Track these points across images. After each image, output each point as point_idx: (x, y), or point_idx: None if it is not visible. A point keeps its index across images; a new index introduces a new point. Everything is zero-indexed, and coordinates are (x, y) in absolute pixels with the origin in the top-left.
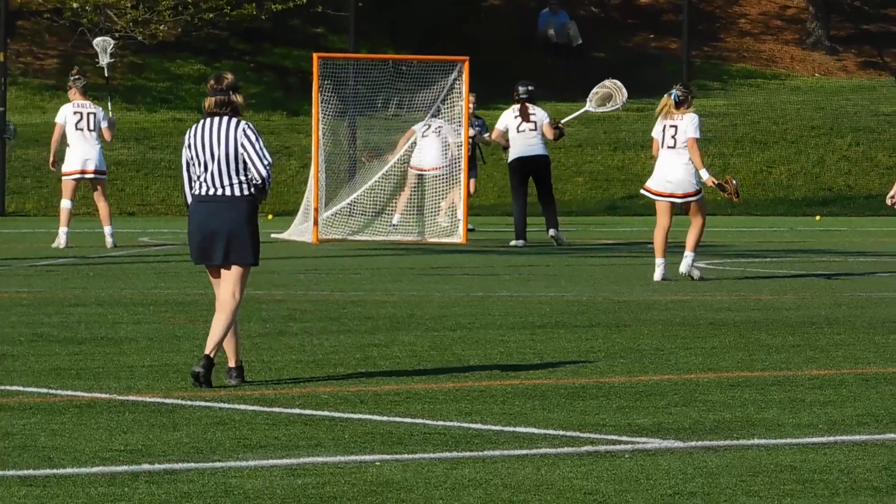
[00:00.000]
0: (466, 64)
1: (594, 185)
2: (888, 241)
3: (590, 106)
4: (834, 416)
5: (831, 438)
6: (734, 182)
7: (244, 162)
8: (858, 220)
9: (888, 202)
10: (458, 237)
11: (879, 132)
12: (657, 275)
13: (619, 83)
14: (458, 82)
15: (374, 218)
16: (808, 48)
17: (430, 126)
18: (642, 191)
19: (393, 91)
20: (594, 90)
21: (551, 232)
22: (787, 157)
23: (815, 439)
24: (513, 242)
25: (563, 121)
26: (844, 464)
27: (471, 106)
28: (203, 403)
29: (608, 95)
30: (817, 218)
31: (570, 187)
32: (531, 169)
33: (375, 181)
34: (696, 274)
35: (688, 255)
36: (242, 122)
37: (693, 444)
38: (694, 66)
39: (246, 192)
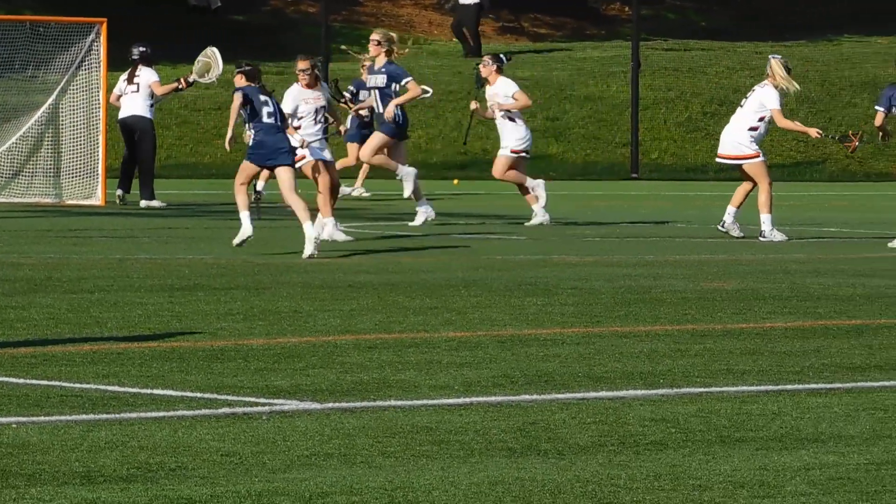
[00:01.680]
0: (104, 26)
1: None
2: (523, 205)
3: (193, 76)
4: (470, 378)
5: (467, 399)
6: None
7: None
8: (495, 183)
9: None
10: (97, 199)
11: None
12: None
13: (216, 53)
14: (95, 44)
15: (11, 179)
16: (447, 13)
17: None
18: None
19: (30, 53)
20: (197, 59)
21: (142, 203)
22: (426, 122)
23: (451, 400)
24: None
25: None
26: (480, 425)
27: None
28: None
29: (207, 66)
30: (455, 182)
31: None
32: (128, 132)
33: (12, 143)
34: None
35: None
36: None
37: (330, 405)
38: (333, 30)
39: None
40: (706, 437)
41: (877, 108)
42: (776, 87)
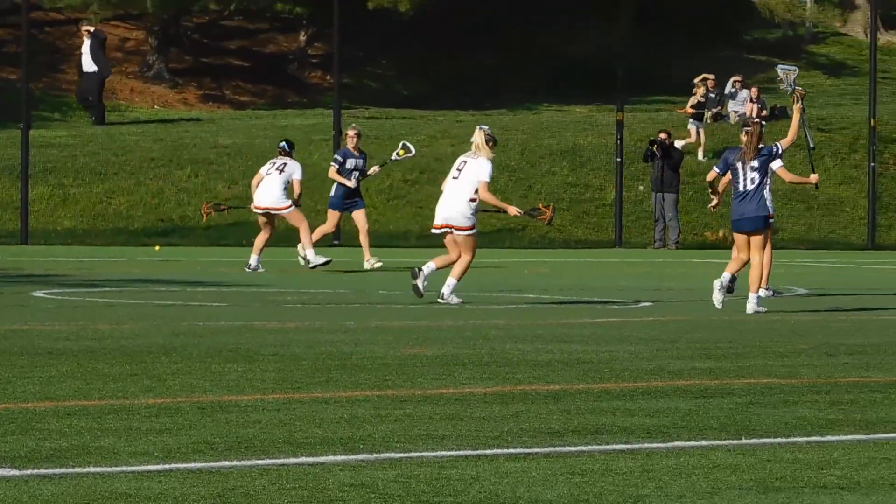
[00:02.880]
0: None
1: None
2: (226, 271)
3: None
4: (170, 444)
5: (167, 466)
6: None
7: None
8: (196, 249)
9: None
10: None
11: (218, 164)
12: None
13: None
14: None
15: None
16: (150, 81)
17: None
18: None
19: None
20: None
21: None
22: (128, 188)
23: (151, 467)
24: None
25: None
26: (179, 491)
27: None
28: None
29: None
30: (156, 248)
31: None
32: None
33: None
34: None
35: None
36: None
37: (29, 472)
38: (34, 97)
39: None
40: (405, 501)
41: (714, 168)
42: (489, 159)
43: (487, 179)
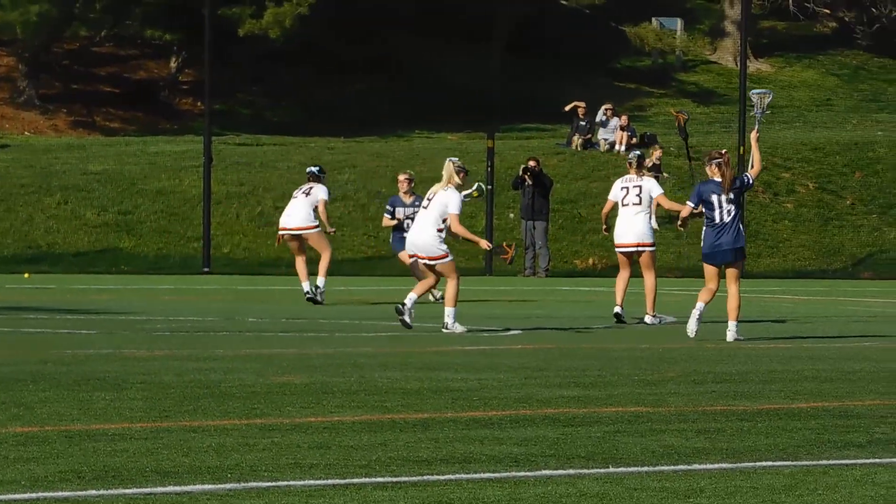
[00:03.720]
0: None
1: None
2: (97, 298)
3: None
4: (37, 473)
5: (34, 495)
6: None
7: None
8: (66, 276)
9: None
10: None
11: (88, 190)
12: None
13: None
14: None
15: None
16: (20, 107)
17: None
18: None
19: None
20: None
21: None
22: None
23: (18, 496)
24: None
25: None
26: None
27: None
28: None
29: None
30: (26, 275)
31: None
32: None
33: None
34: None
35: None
36: None
37: None
38: None
39: None
40: None
41: (688, 202)
42: (459, 190)
43: (457, 212)
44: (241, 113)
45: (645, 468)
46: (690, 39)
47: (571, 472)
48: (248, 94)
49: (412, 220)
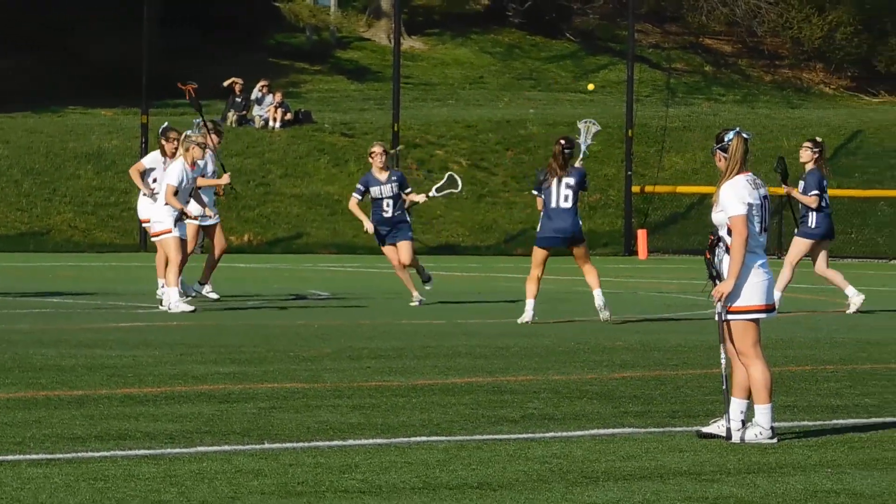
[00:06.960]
0: None
1: None
2: None
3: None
4: None
5: None
6: None
7: None
8: None
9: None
10: None
11: None
12: None
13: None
14: None
15: None
16: None
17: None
18: None
19: None
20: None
21: None
22: None
23: None
24: None
25: None
26: None
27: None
28: None
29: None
30: None
31: None
32: None
33: None
34: None
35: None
36: None
37: None
38: None
39: None
40: None
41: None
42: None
43: (172, 182)
44: None
45: (300, 444)
46: (345, 16)
47: (227, 448)
48: None
49: (392, 200)
